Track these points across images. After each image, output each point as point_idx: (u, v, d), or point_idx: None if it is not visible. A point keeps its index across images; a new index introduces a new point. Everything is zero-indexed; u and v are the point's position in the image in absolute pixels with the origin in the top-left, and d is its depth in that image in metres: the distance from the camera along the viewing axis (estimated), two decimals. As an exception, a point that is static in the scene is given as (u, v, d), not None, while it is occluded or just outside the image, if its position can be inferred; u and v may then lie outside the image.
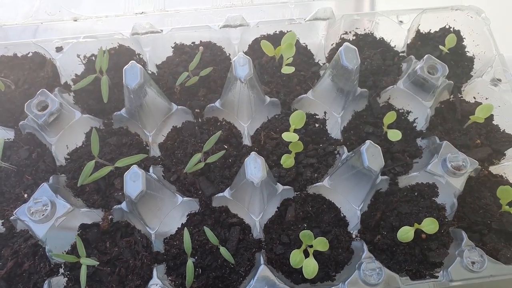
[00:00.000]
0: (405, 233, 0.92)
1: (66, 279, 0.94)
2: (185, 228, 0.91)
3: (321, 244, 0.90)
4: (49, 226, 0.90)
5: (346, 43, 0.96)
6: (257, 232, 0.98)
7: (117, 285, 0.92)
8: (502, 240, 0.98)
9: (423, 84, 1.08)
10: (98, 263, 0.88)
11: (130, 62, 0.92)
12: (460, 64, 1.21)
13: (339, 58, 0.96)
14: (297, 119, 0.99)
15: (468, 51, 1.22)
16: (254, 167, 0.84)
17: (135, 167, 0.83)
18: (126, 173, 0.82)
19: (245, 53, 1.14)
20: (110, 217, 0.98)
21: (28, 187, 1.00)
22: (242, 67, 0.92)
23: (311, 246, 0.91)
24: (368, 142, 0.87)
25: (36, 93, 1.00)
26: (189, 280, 0.87)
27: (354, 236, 0.99)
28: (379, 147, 0.87)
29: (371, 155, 0.85)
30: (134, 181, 0.81)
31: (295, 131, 1.02)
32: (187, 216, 1.00)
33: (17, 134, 1.06)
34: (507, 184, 1.00)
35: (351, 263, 0.96)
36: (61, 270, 0.94)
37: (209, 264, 0.93)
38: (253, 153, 0.86)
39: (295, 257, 0.89)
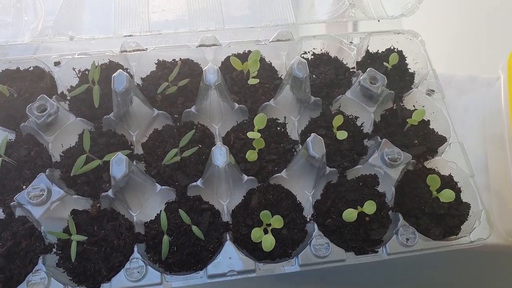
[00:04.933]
0: (349, 214, 1.09)
1: (58, 257, 1.08)
2: (162, 211, 1.07)
3: (277, 221, 1.06)
4: (45, 209, 1.05)
5: (297, 57, 1.16)
6: (225, 216, 1.14)
7: (103, 261, 1.05)
8: (433, 221, 1.15)
9: (368, 94, 1.28)
10: (86, 238, 1.03)
11: (118, 70, 1.10)
12: (403, 78, 1.41)
13: (292, 69, 1.16)
14: (259, 121, 1.18)
15: (409, 68, 1.43)
16: (220, 154, 1.01)
17: (119, 153, 0.99)
18: (112, 158, 0.99)
19: (219, 68, 1.34)
20: (98, 204, 1.13)
21: (27, 180, 1.15)
22: (212, 75, 1.12)
23: (269, 225, 1.07)
24: (313, 134, 1.05)
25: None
26: (165, 252, 1.02)
27: (308, 219, 1.15)
28: (321, 138, 1.05)
29: (315, 144, 1.04)
30: (119, 165, 0.98)
31: (260, 132, 1.19)
32: (165, 204, 1.16)
33: (18, 136, 1.22)
34: (436, 175, 1.19)
35: (305, 241, 1.12)
36: (54, 250, 1.08)
37: (183, 242, 1.07)
38: (218, 142, 1.03)
39: (256, 233, 1.05)
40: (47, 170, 1.13)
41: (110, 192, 1.09)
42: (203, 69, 1.13)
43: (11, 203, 1.09)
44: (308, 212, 1.16)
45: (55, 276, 1.02)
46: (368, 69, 1.26)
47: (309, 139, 1.04)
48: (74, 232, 1.03)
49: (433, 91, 1.34)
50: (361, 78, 1.25)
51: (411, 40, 1.44)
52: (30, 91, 1.26)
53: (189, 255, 1.07)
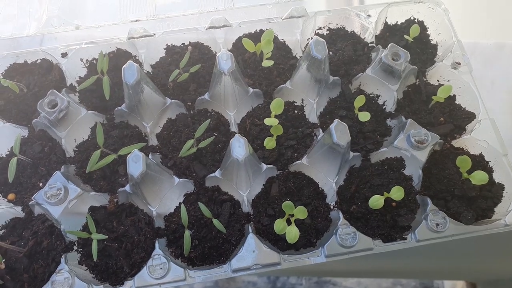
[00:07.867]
0: (376, 201, 1.05)
1: (80, 255, 1.07)
2: (182, 204, 1.04)
3: (301, 212, 1.02)
4: (63, 208, 1.03)
5: (315, 36, 1.09)
6: (246, 206, 1.10)
7: (124, 258, 1.04)
8: (463, 204, 1.10)
9: (389, 70, 1.20)
10: (107, 237, 1.01)
11: (128, 61, 1.05)
12: (425, 51, 1.33)
13: (310, 50, 1.09)
14: (276, 106, 1.12)
15: (432, 39, 1.34)
16: (238, 146, 0.97)
17: (136, 150, 0.95)
18: (128, 156, 0.95)
19: (230, 50, 1.27)
20: (116, 199, 1.11)
21: (43, 177, 1.13)
22: (225, 61, 1.06)
23: (292, 216, 1.04)
24: (336, 120, 1.00)
25: (46, 94, 1.14)
26: (187, 248, 1.00)
27: (332, 207, 1.11)
28: (346, 124, 1.00)
29: (339, 131, 0.98)
30: (136, 162, 0.95)
31: (277, 117, 1.14)
32: (183, 196, 1.13)
33: (31, 132, 1.19)
34: (466, 155, 1.13)
35: (330, 230, 1.08)
36: (75, 248, 1.07)
37: (204, 236, 1.05)
38: (237, 134, 0.99)
39: (279, 225, 1.02)
40: (62, 167, 1.11)
41: (127, 187, 1.07)
42: (216, 56, 1.07)
43: (30, 202, 1.08)
44: (331, 200, 1.12)
45: (78, 274, 1.02)
46: (390, 45, 1.18)
47: (332, 126, 0.99)
48: (94, 231, 1.02)
49: (459, 64, 1.26)
50: (382, 55, 1.17)
51: (433, 9, 1.35)
52: (39, 85, 1.22)
53: (211, 248, 1.05)
